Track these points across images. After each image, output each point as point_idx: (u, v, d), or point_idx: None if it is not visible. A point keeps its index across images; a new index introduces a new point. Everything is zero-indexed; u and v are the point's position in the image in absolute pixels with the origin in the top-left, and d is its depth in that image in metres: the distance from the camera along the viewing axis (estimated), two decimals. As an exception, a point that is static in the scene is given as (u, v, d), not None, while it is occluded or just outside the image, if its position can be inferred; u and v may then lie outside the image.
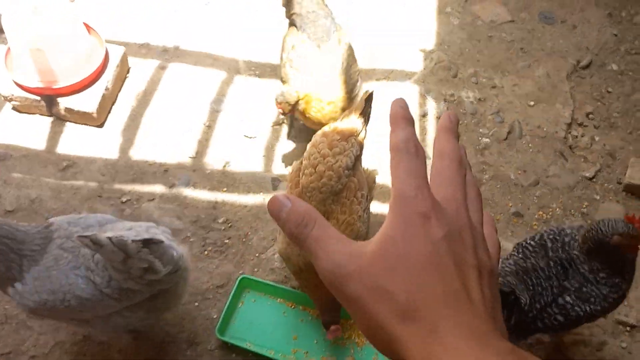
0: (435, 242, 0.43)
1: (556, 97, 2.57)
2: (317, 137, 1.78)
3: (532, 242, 1.65)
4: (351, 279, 0.43)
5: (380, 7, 2.87)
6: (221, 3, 2.88)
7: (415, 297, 0.41)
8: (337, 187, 1.69)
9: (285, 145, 2.38)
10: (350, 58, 1.96)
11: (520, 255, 1.65)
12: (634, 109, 2.58)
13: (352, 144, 1.72)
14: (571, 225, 1.65)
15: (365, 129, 1.81)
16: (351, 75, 1.93)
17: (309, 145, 1.80)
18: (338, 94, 1.92)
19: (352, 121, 1.75)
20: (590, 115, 2.57)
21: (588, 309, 1.51)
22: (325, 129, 1.78)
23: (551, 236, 1.62)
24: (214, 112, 2.48)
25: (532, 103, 2.54)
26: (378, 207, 2.14)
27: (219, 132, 2.42)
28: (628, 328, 1.99)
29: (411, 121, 0.48)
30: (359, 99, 1.92)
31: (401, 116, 0.48)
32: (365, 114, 1.79)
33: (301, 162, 1.78)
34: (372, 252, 0.44)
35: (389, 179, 0.48)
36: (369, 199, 1.78)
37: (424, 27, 2.79)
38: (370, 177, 1.83)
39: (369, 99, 1.81)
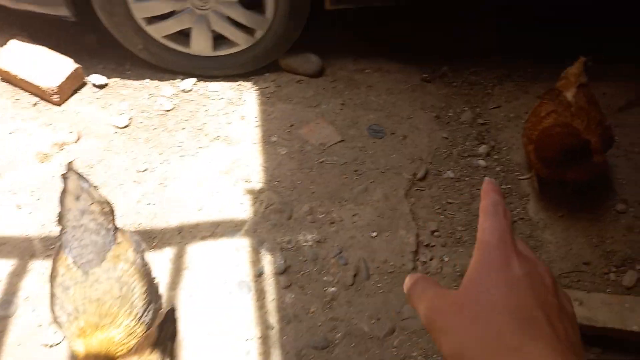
0: (516, 279, 0.47)
1: (398, 222, 2.41)
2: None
3: None
4: (440, 314, 0.48)
5: (199, 153, 2.59)
6: None
7: (495, 326, 0.44)
8: None
9: (97, 348, 1.95)
10: (133, 279, 1.59)
11: None
12: (476, 219, 2.50)
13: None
14: None
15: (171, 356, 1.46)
16: (133, 302, 1.56)
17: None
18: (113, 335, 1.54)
19: None
20: (436, 233, 2.44)
21: None
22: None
23: None
24: (3, 320, 1.99)
25: (374, 234, 2.35)
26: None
27: (11, 346, 1.94)
28: None
29: (500, 193, 0.54)
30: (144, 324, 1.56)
31: (491, 189, 0.54)
32: (164, 341, 1.44)
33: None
34: (459, 292, 0.49)
35: None
36: None
37: (249, 164, 2.54)
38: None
39: (166, 319, 1.47)
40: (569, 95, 2.40)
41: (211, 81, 2.92)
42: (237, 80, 2.94)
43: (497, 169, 2.70)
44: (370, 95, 2.95)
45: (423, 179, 2.63)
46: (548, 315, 0.45)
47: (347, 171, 2.58)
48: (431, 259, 2.35)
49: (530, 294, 0.45)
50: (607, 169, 2.57)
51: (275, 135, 2.68)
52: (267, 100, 2.84)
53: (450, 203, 2.56)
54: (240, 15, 2.66)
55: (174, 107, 2.76)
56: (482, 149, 2.76)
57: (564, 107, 2.36)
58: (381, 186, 2.54)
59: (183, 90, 2.84)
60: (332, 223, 2.37)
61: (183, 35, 2.76)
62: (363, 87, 2.99)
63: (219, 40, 2.80)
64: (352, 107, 2.87)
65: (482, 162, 2.70)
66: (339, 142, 2.70)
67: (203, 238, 2.26)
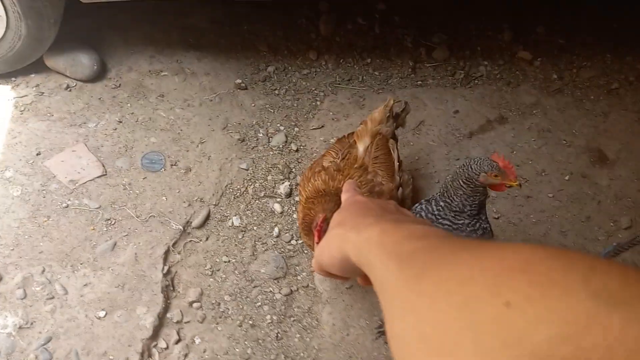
0: (361, 199, 0.64)
1: (140, 295, 1.93)
2: None
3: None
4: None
5: None
6: None
7: (342, 221, 0.58)
8: None
9: None
10: None
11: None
12: (250, 285, 2.03)
13: None
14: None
15: None
16: None
17: None
18: None
19: None
20: (195, 304, 1.97)
21: None
22: None
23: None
24: None
25: (102, 313, 1.88)
26: None
27: None
28: None
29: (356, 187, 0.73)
30: None
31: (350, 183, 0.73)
32: None
33: None
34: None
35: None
36: None
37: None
38: None
39: None
40: (361, 148, 1.85)
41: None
42: (-8, 84, 2.34)
43: (294, 215, 2.19)
44: (159, 109, 2.36)
45: (201, 226, 2.13)
46: (383, 209, 0.59)
47: (97, 220, 2.07)
48: (177, 342, 1.90)
49: (370, 201, 0.62)
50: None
51: (12, 168, 2.13)
52: (19, 116, 2.26)
53: (226, 262, 2.08)
54: (-39, 11, 2.03)
55: None
56: (283, 187, 2.23)
57: (349, 163, 1.82)
58: (136, 241, 2.04)
59: None
60: (51, 298, 1.89)
61: None
62: (153, 96, 2.40)
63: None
64: (130, 126, 2.30)
65: (277, 207, 2.19)
66: (98, 177, 2.16)
67: None
